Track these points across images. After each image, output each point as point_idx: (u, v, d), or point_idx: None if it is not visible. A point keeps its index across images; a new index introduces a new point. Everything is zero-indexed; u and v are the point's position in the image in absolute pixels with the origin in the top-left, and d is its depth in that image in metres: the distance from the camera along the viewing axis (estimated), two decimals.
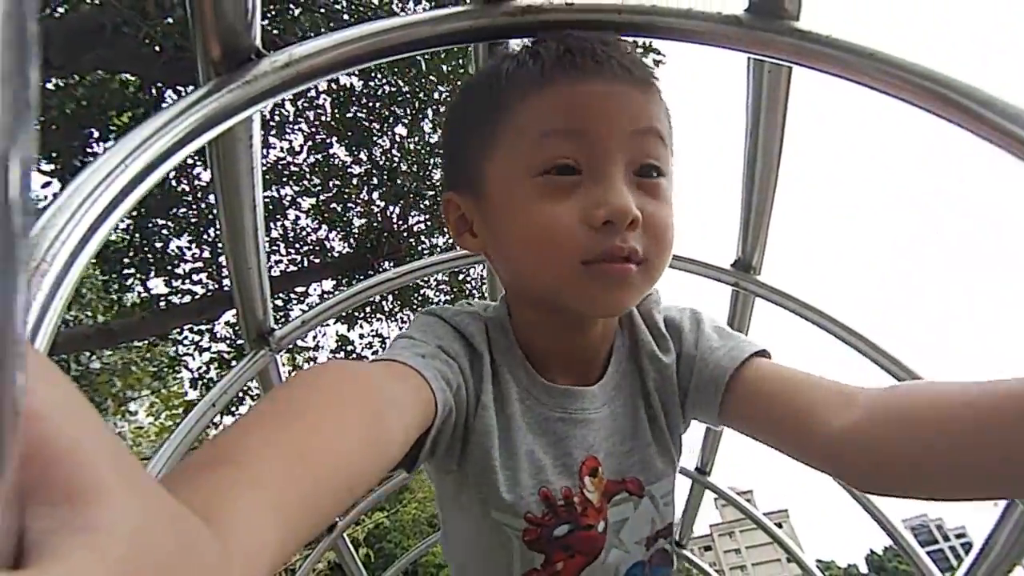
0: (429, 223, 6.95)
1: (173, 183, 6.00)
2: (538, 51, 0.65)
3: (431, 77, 5.70)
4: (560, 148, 0.60)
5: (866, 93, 0.65)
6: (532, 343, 0.71)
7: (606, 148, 0.60)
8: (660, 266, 0.64)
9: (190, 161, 5.86)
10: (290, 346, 1.29)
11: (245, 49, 0.60)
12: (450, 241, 7.18)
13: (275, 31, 4.69)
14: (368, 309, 7.27)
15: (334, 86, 5.94)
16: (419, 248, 6.99)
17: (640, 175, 0.62)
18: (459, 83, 6.24)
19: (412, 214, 6.95)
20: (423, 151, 6.55)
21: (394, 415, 0.50)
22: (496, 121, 0.64)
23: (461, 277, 7.33)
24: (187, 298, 6.43)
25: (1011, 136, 0.54)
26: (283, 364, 1.35)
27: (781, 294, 1.24)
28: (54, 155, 5.11)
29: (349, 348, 7.38)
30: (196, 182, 6.01)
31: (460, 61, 5.26)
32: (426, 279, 7.31)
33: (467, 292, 7.31)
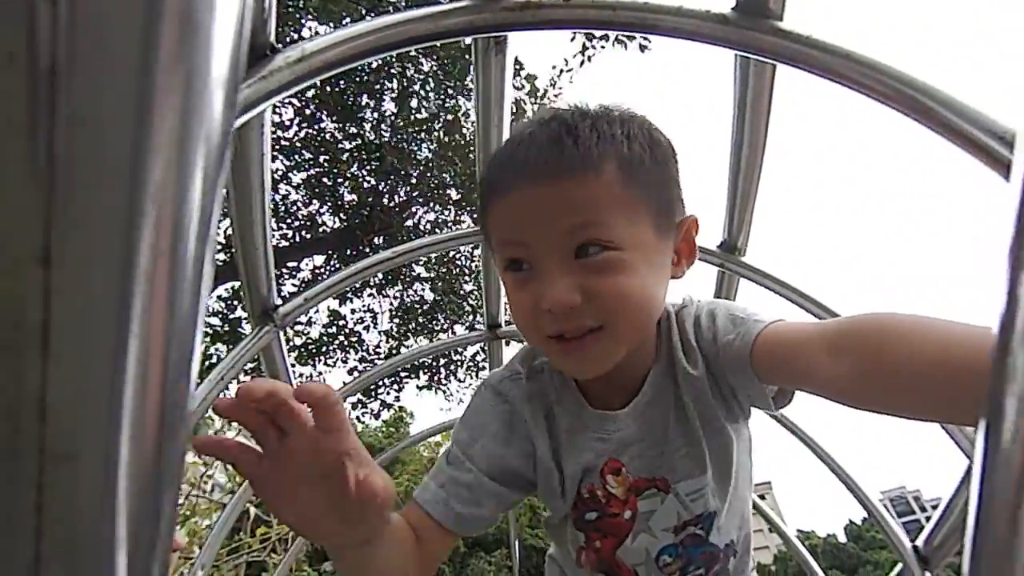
0: (418, 198, 6.95)
1: None
2: (496, 157, 0.78)
3: (418, 50, 5.64)
4: (509, 251, 0.73)
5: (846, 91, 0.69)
6: (584, 378, 0.83)
7: (540, 248, 0.70)
8: (625, 326, 0.72)
9: None
10: (292, 323, 1.33)
11: (260, 46, 0.63)
12: (438, 216, 7.18)
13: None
14: (358, 284, 7.29)
15: None
16: (408, 223, 6.99)
17: (583, 256, 0.69)
18: (445, 58, 6.17)
19: (401, 189, 6.94)
20: (410, 127, 6.51)
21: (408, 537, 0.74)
22: (483, 220, 0.79)
23: (452, 254, 7.36)
24: None
25: (973, 141, 0.60)
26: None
27: (764, 275, 1.30)
28: None
29: (340, 323, 7.42)
30: None
31: None
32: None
33: (457, 268, 7.34)
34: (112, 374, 0.15)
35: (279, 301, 1.28)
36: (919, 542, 1.49)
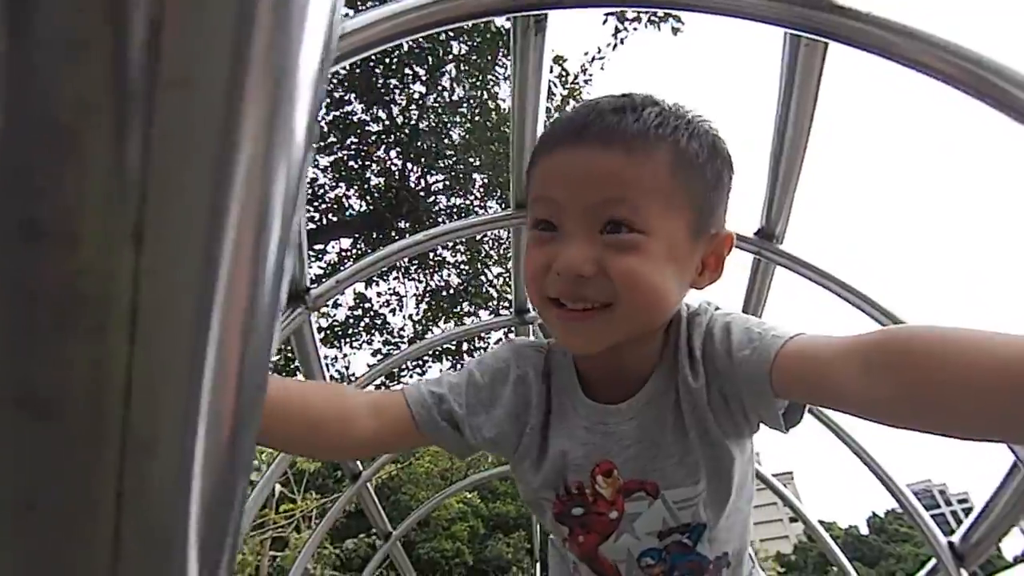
0: (447, 183, 6.94)
1: None
2: (556, 120, 0.80)
3: (448, 32, 5.60)
4: (541, 210, 0.74)
5: (903, 72, 0.66)
6: (584, 364, 0.84)
7: (570, 211, 0.70)
8: (633, 309, 0.71)
9: None
10: (324, 305, 1.34)
11: None
12: (467, 202, 7.18)
13: None
14: (385, 268, 7.35)
15: None
16: (436, 208, 7.00)
17: (608, 232, 0.69)
18: (476, 41, 6.11)
19: (430, 174, 6.93)
20: (441, 109, 6.48)
21: (367, 411, 0.80)
22: (529, 177, 0.80)
23: (479, 238, 7.36)
24: None
25: None
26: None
27: (804, 264, 1.26)
28: None
29: (366, 306, 7.51)
30: None
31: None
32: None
33: (483, 253, 7.34)
34: (193, 359, 0.14)
35: (310, 284, 1.29)
36: (955, 538, 1.46)
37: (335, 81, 6.28)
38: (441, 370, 8.03)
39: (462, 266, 7.53)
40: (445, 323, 7.64)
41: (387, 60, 6.12)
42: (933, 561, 1.52)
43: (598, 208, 0.69)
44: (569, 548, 0.87)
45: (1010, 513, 1.23)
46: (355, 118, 6.58)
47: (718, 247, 0.77)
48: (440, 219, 7.09)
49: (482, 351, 8.06)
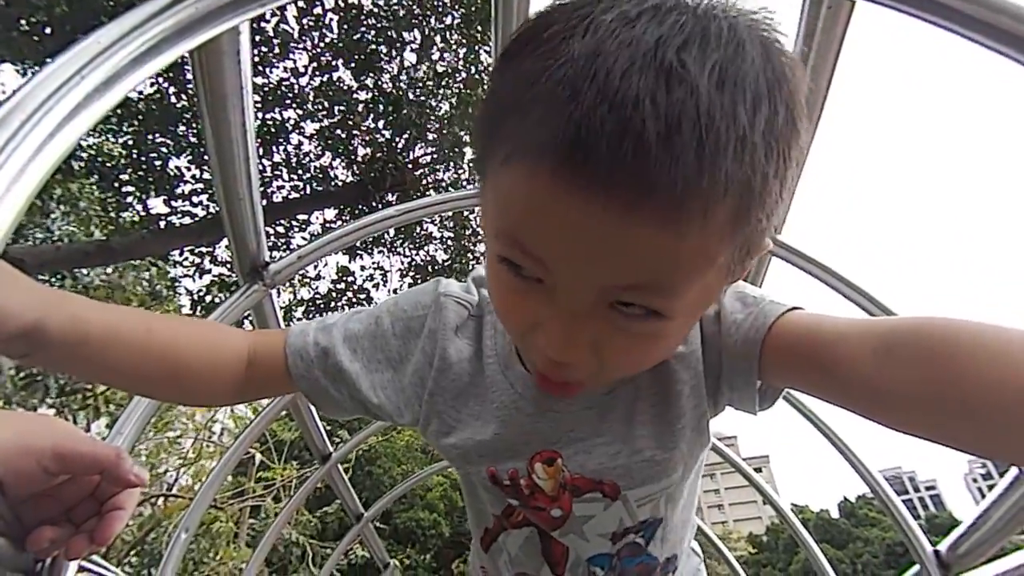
0: (435, 156, 6.77)
1: (173, 99, 5.79)
2: (555, 91, 0.42)
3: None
4: (517, 258, 0.49)
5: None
6: None
7: (570, 286, 0.48)
8: (612, 374, 0.59)
9: (190, 76, 5.64)
10: (284, 282, 1.24)
11: None
12: (456, 175, 7.04)
13: None
14: (370, 241, 7.20)
15: (341, 3, 5.62)
16: (424, 181, 6.84)
17: (619, 308, 0.49)
18: (472, 7, 5.90)
19: (418, 146, 6.76)
20: (431, 81, 6.29)
21: (241, 356, 0.70)
22: (490, 148, 0.50)
23: (466, 214, 7.23)
24: (187, 219, 6.35)
25: None
26: (284, 291, 1.29)
27: (802, 256, 1.18)
28: (47, 61, 4.89)
29: (349, 279, 7.38)
30: (195, 99, 5.81)
31: None
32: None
33: (471, 229, 7.22)
34: None
35: (270, 258, 1.18)
36: (942, 547, 1.41)
37: (323, 44, 6.05)
38: None
39: (448, 241, 7.40)
40: None
41: (378, 26, 5.90)
42: (916, 568, 1.48)
43: (612, 291, 0.48)
44: (516, 514, 0.76)
45: (1005, 527, 1.17)
46: (343, 85, 6.36)
47: (749, 262, 0.55)
48: (427, 193, 6.93)
49: None
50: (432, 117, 6.33)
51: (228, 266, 6.73)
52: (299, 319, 7.17)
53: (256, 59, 5.65)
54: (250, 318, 1.33)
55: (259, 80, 5.95)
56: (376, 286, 7.41)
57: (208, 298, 6.71)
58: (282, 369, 0.71)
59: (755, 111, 0.42)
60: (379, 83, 6.20)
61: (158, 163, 6.08)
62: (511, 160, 0.46)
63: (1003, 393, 0.44)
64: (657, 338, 0.53)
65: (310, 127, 6.61)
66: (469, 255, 7.23)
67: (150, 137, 5.96)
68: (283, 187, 6.74)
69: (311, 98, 6.31)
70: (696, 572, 0.97)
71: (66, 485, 0.60)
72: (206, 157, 6.15)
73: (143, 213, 6.39)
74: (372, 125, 6.49)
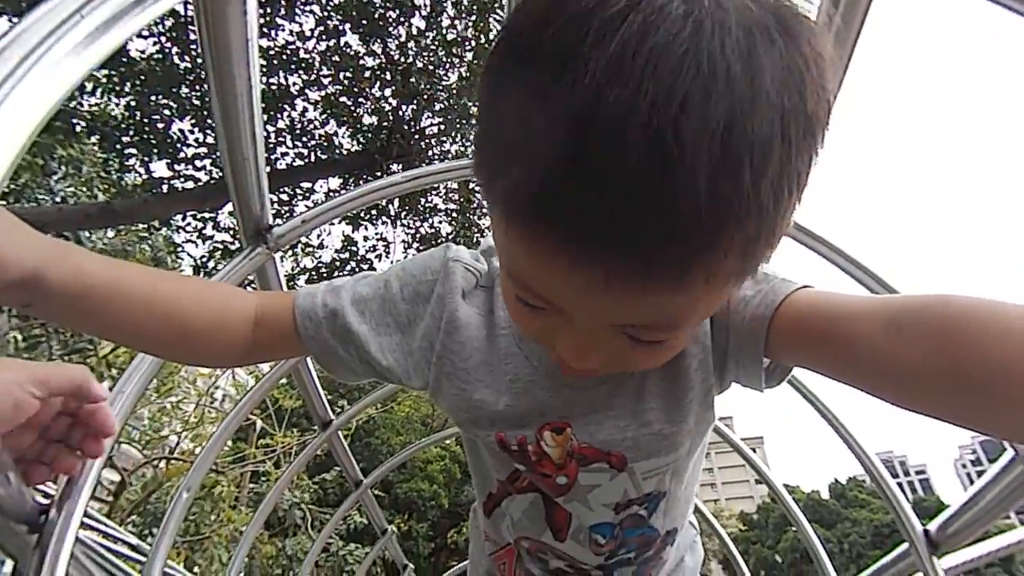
0: (443, 127, 6.69)
1: (176, 59, 5.70)
2: (551, 158, 0.39)
3: None
4: (530, 297, 0.50)
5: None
6: None
7: (582, 323, 0.50)
8: (637, 370, 0.63)
9: (193, 36, 5.54)
10: (289, 245, 1.23)
11: None
12: (464, 147, 6.96)
13: None
14: (374, 211, 7.16)
15: None
16: (430, 152, 6.77)
17: (630, 335, 0.51)
18: None
19: (425, 115, 6.67)
20: (441, 49, 6.17)
21: (249, 316, 0.70)
22: (488, 193, 0.48)
23: (472, 186, 7.17)
24: (190, 184, 6.31)
25: None
26: (286, 259, 1.29)
27: (810, 234, 1.17)
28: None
29: (353, 249, 7.36)
30: (199, 60, 5.72)
31: None
32: (435, 186, 7.15)
33: (476, 202, 7.17)
34: None
35: (274, 222, 1.18)
36: (932, 526, 1.43)
37: (330, 7, 5.93)
38: None
39: (453, 214, 7.36)
40: None
41: None
42: (905, 546, 1.50)
43: (624, 328, 0.50)
44: (521, 479, 0.77)
45: (995, 508, 1.18)
46: (350, 51, 6.25)
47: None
48: (432, 164, 6.87)
49: None
50: (440, 86, 6.24)
51: (231, 232, 6.71)
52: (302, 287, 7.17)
53: (261, 21, 5.54)
54: (253, 284, 1.33)
55: (264, 43, 5.85)
56: (379, 257, 7.40)
57: (211, 264, 6.70)
58: (291, 330, 0.71)
59: (765, 160, 0.39)
60: (387, 50, 6.09)
61: (161, 126, 6.02)
62: (513, 223, 0.45)
63: (1012, 370, 0.43)
64: (671, 347, 0.55)
65: (315, 93, 6.52)
66: (474, 228, 7.20)
67: (153, 99, 5.88)
68: (287, 154, 6.67)
69: (317, 63, 6.21)
70: (692, 544, 0.98)
71: (40, 411, 0.61)
72: (209, 121, 6.09)
73: (146, 176, 6.35)
74: (379, 93, 6.40)
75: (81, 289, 0.56)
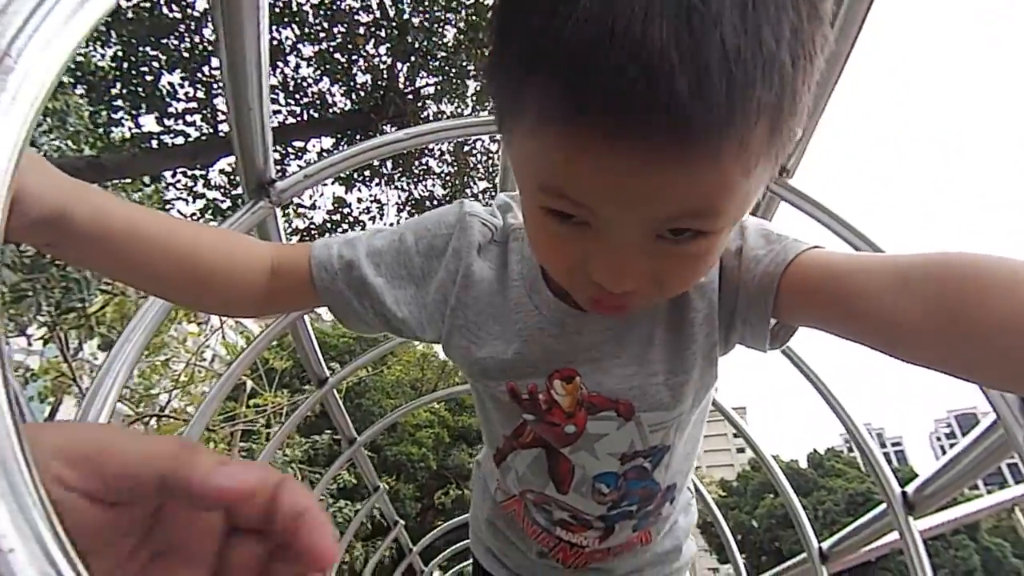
0: (439, 87, 6.56)
1: (164, 9, 5.52)
2: (576, 52, 0.41)
3: None
4: (561, 205, 0.51)
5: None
6: None
7: (617, 224, 0.50)
8: (672, 293, 0.62)
9: None
10: (290, 200, 1.23)
11: None
12: (460, 110, 6.85)
13: None
14: (367, 172, 7.07)
15: None
16: (426, 113, 6.66)
17: (668, 237, 0.51)
18: None
19: (420, 75, 6.53)
20: (436, 4, 6.00)
21: (264, 265, 0.71)
22: (512, 112, 0.51)
23: (467, 149, 7.08)
24: (180, 139, 6.18)
25: None
26: (279, 219, 1.29)
27: (813, 203, 1.18)
28: None
29: (345, 211, 7.29)
30: (189, 10, 5.53)
31: None
32: (430, 148, 7.05)
33: (471, 166, 7.10)
34: None
35: (276, 176, 1.17)
36: (909, 488, 1.49)
37: None
38: None
39: (448, 177, 7.29)
40: None
41: None
42: (883, 506, 1.57)
43: (661, 223, 0.49)
44: (527, 433, 0.79)
45: (973, 470, 1.23)
46: (343, 4, 6.07)
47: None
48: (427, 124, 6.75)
49: None
50: (438, 44, 6.09)
51: (222, 191, 6.61)
52: None
53: None
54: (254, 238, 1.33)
55: None
56: (372, 219, 7.34)
57: (201, 222, 6.62)
58: (306, 280, 0.72)
59: (780, 23, 0.42)
60: (382, 5, 5.92)
61: (150, 78, 5.85)
62: (544, 124, 0.46)
63: (1010, 324, 0.45)
64: (707, 254, 0.55)
65: (308, 49, 6.35)
66: (468, 191, 7.15)
67: (141, 50, 5.71)
68: (279, 111, 6.54)
69: (310, 17, 6.03)
70: (688, 506, 1.01)
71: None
72: (200, 74, 5.93)
73: (134, 130, 6.21)
74: (373, 51, 6.25)
75: (103, 229, 0.57)
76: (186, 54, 5.73)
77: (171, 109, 6.04)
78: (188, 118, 6.12)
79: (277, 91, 6.41)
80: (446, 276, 0.73)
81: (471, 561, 1.10)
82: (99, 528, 0.30)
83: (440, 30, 6.09)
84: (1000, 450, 1.07)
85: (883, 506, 1.57)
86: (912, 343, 0.53)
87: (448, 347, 0.76)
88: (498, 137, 1.37)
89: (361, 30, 6.07)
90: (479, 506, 1.03)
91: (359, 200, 7.34)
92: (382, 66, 6.35)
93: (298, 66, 6.45)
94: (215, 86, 5.93)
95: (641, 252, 0.51)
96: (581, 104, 0.43)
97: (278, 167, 6.67)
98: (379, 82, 6.37)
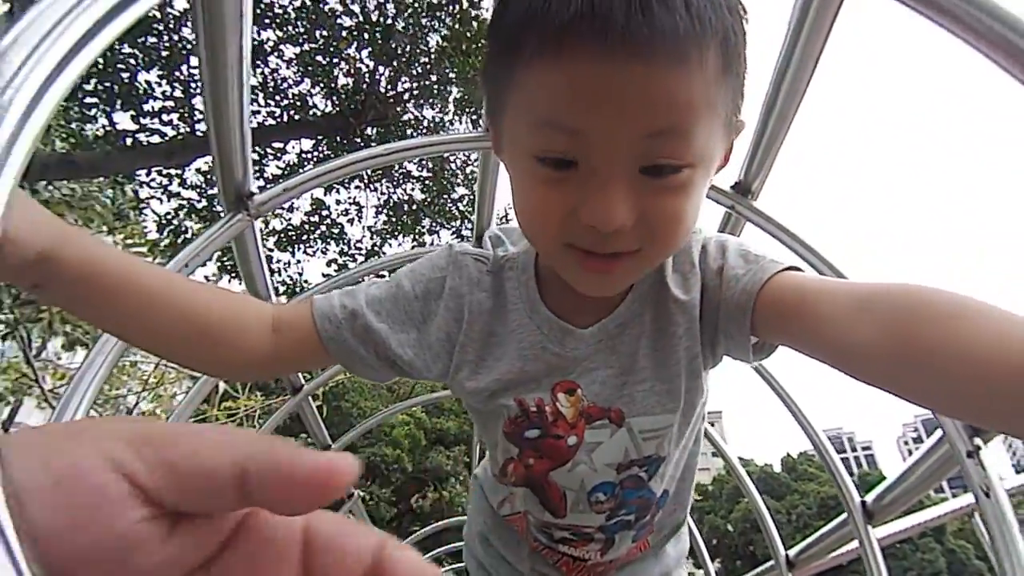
0: (419, 92, 6.56)
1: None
2: None
3: None
4: (556, 142, 0.56)
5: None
6: (551, 280, 0.77)
7: (603, 147, 0.55)
8: (660, 253, 0.66)
9: None
10: (268, 213, 1.23)
11: None
12: (441, 117, 6.86)
13: None
14: (340, 178, 7.03)
15: None
16: (406, 118, 6.65)
17: (649, 174, 0.57)
18: None
19: (402, 80, 6.53)
20: (421, 10, 6.02)
21: (267, 322, 0.71)
22: (507, 79, 0.59)
23: (447, 155, 7.08)
24: (155, 138, 6.08)
25: None
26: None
27: (777, 225, 1.22)
28: None
29: (324, 213, 7.25)
30: (168, 9, 5.45)
31: None
32: None
33: (450, 171, 7.11)
34: None
35: (255, 188, 1.17)
36: (869, 498, 1.54)
37: None
38: None
39: (427, 181, 7.29)
40: (404, 238, 7.48)
41: None
42: (844, 516, 1.62)
43: (641, 143, 0.55)
44: (512, 471, 0.83)
45: (926, 481, 1.29)
46: (326, 7, 6.04)
47: (734, 136, 0.66)
48: (408, 130, 6.75)
49: None
50: (420, 50, 6.10)
51: (198, 191, 6.52)
52: (271, 250, 7.05)
53: None
54: (230, 250, 1.33)
55: None
56: (351, 221, 7.31)
57: (175, 222, 6.52)
58: (311, 333, 0.72)
59: None
60: (365, 9, 5.91)
61: (125, 75, 5.75)
62: (542, 52, 0.54)
63: (953, 348, 0.49)
64: (688, 191, 0.59)
65: (289, 50, 6.31)
66: (446, 196, 7.15)
67: (116, 47, 5.61)
68: (258, 112, 6.47)
69: (292, 19, 5.99)
70: (679, 535, 1.02)
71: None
72: (179, 73, 5.85)
73: (108, 127, 6.09)
74: (355, 54, 6.23)
75: (94, 271, 0.56)
76: (164, 53, 5.65)
77: (147, 107, 5.94)
78: (164, 117, 6.03)
79: (257, 92, 6.35)
80: (447, 315, 0.77)
81: (462, 566, 1.12)
82: (156, 565, 0.23)
83: (424, 36, 6.10)
84: (948, 464, 1.13)
85: (845, 515, 1.63)
86: (867, 365, 0.56)
87: (454, 381, 0.79)
88: (480, 145, 1.40)
89: (343, 33, 6.05)
90: (474, 519, 1.05)
91: (337, 202, 7.30)
92: (364, 70, 6.34)
93: (278, 67, 6.41)
94: (193, 86, 5.86)
95: (627, 186, 0.56)
96: (570, 23, 0.51)
97: (256, 168, 6.60)
98: (360, 85, 6.35)
